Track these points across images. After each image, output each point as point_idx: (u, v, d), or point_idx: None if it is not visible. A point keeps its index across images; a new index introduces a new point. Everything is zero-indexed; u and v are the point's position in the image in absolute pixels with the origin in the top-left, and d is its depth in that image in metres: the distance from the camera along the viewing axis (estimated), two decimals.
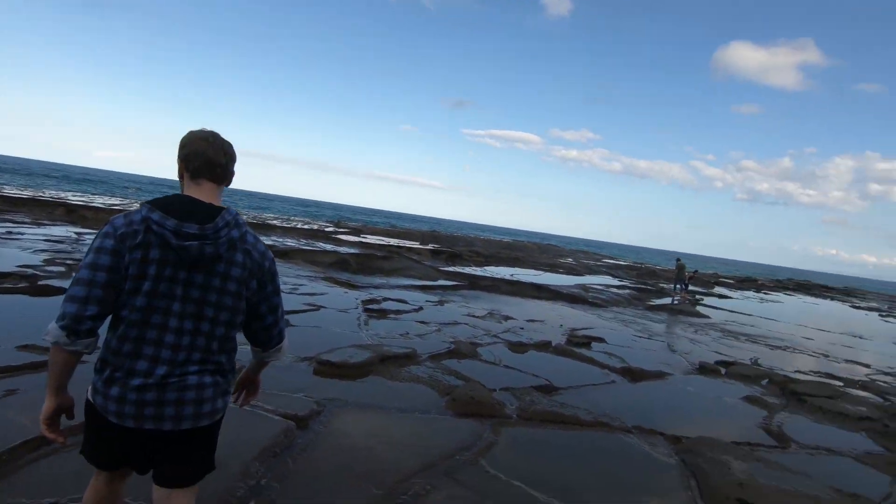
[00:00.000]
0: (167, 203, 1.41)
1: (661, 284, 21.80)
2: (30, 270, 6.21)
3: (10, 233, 9.14)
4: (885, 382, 7.86)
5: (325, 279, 10.05)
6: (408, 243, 20.99)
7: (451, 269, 15.55)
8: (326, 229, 21.69)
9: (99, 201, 18.01)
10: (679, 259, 22.38)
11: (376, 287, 10.28)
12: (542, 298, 12.89)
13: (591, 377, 5.55)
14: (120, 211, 15.11)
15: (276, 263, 1.59)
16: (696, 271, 24.61)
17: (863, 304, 30.57)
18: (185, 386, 1.35)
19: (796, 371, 7.83)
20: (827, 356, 10.16)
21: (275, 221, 21.43)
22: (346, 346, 4.80)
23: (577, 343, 7.31)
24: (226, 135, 1.56)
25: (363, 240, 18.89)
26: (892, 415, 5.59)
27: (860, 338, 14.45)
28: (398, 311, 7.69)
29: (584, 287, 15.60)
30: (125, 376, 1.34)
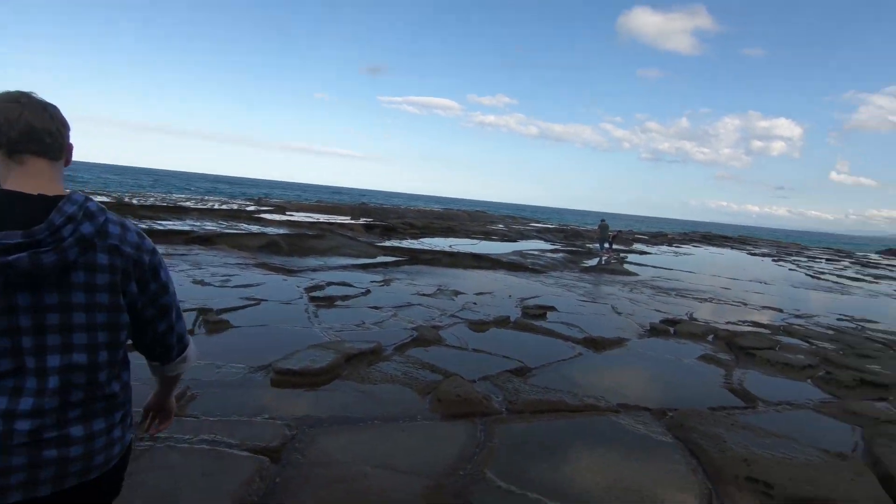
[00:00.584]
0: None
1: (588, 245, 22.67)
2: None
3: None
4: (800, 326, 8.56)
5: (257, 265, 9.21)
6: (338, 219, 20.06)
7: (387, 243, 15.03)
8: (248, 209, 20.15)
9: None
10: (603, 220, 23.33)
11: (314, 270, 9.61)
12: (483, 268, 12.81)
13: (558, 352, 5.45)
14: None
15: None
16: (620, 231, 25.86)
17: (757, 251, 33.85)
18: (67, 440, 1.05)
19: (728, 322, 8.32)
20: (746, 304, 10.98)
21: (188, 203, 19.55)
22: (304, 349, 4.28)
23: (533, 315, 7.23)
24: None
25: (290, 218, 17.75)
26: (825, 360, 6.04)
27: (764, 283, 15.87)
28: (345, 297, 7.17)
29: (521, 254, 15.74)
30: None
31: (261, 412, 3.08)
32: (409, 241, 16.69)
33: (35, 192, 1.05)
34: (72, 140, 1.18)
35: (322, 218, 19.58)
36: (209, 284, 6.93)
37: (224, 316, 5.30)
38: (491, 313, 6.97)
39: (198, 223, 14.05)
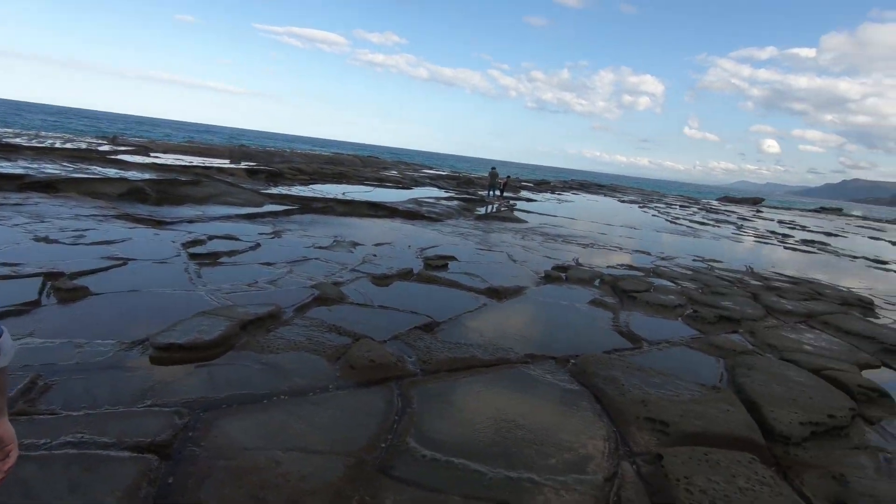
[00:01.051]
0: None
1: (480, 193, 23.18)
2: None
3: None
4: (665, 268, 9.60)
5: (118, 217, 7.96)
6: (215, 162, 18.07)
7: (274, 190, 13.92)
8: (101, 148, 17.27)
9: None
10: (493, 168, 23.88)
11: (191, 221, 8.57)
12: (379, 217, 12.48)
13: (463, 303, 5.47)
14: None
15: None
16: (509, 177, 26.72)
17: (626, 199, 37.34)
18: None
19: (609, 266, 9.06)
20: (621, 248, 12.06)
21: (19, 140, 16.21)
22: (189, 317, 3.74)
23: (435, 266, 7.18)
24: None
25: (156, 160, 15.59)
26: (690, 299, 6.82)
27: (633, 228, 17.57)
28: (232, 252, 6.48)
29: (417, 202, 15.58)
30: None
31: (141, 399, 2.62)
32: (299, 187, 15.64)
33: None
34: None
35: (196, 161, 17.49)
36: (57, 241, 5.80)
37: (80, 281, 4.46)
38: (393, 265, 6.78)
39: (34, 165, 11.74)
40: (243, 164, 18.57)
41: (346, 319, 4.33)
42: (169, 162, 15.66)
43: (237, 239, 7.39)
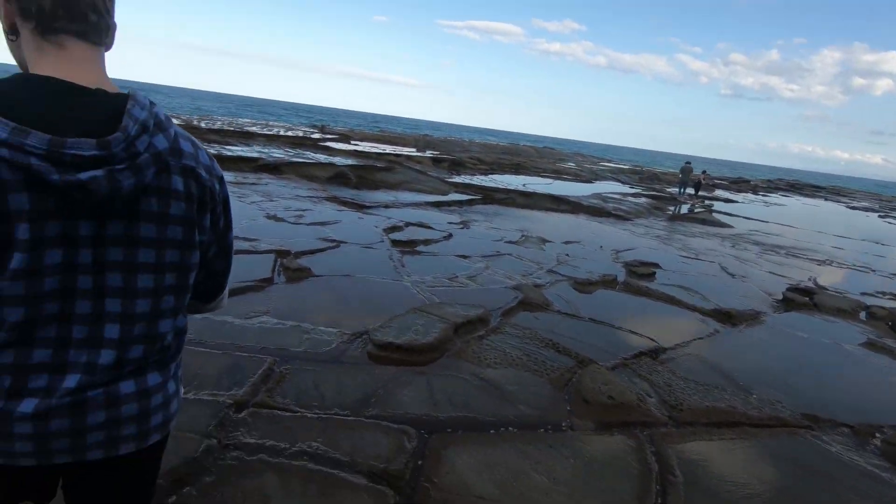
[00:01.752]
0: (10, 98, 0.74)
1: (669, 190, 20.78)
2: None
3: None
4: None
5: (328, 199, 8.63)
6: (404, 150, 19.17)
7: (457, 179, 14.10)
8: (313, 136, 19.58)
9: None
10: (688, 162, 21.11)
11: (387, 206, 8.93)
12: (562, 211, 11.74)
13: (688, 326, 4.55)
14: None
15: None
16: (705, 172, 23.50)
17: (856, 205, 30.31)
18: (117, 398, 0.83)
19: (866, 294, 7.05)
20: (873, 270, 9.48)
21: (254, 128, 19.21)
22: (403, 313, 3.60)
23: (640, 274, 6.27)
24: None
25: (356, 148, 17.05)
26: None
27: (881, 244, 13.91)
28: (427, 241, 6.45)
29: (601, 197, 14.43)
30: (6, 400, 0.77)
31: (366, 405, 2.44)
32: (480, 177, 15.67)
33: (93, 86, 0.80)
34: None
35: (388, 149, 18.75)
36: (283, 220, 6.37)
37: (303, 261, 4.70)
38: (592, 269, 6.07)
39: (265, 150, 13.61)
40: (428, 153, 19.36)
41: (557, 332, 3.80)
42: (366, 149, 16.99)
43: (430, 227, 7.40)
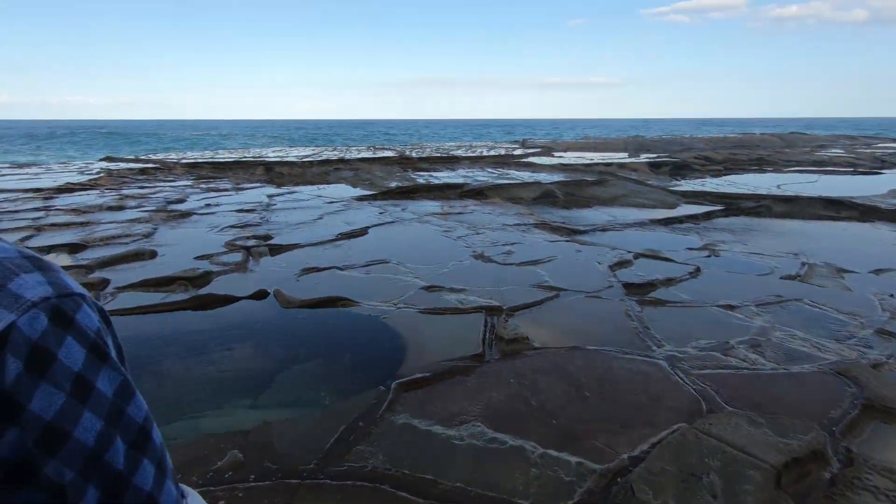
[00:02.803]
0: None
1: None
2: (202, 267, 5.13)
3: (208, 205, 8.80)
4: None
5: (537, 226, 7.71)
6: (614, 157, 17.32)
7: (685, 187, 11.82)
8: (515, 152, 19.18)
9: (294, 154, 18.39)
10: None
11: (604, 230, 7.58)
12: (846, 219, 8.63)
13: None
14: (316, 164, 14.23)
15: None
16: None
17: None
18: None
19: None
20: None
21: (458, 151, 19.70)
22: (672, 431, 2.34)
23: None
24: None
25: (561, 160, 15.96)
26: None
27: None
28: (669, 281, 4.96)
29: None
30: None
31: None
32: (712, 181, 12.98)
33: None
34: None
35: (596, 157, 17.14)
36: (491, 260, 5.65)
37: (519, 321, 3.81)
38: None
39: (469, 173, 13.52)
40: (643, 157, 17.11)
41: None
42: (571, 161, 15.75)
43: (666, 258, 5.84)
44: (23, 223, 7.00)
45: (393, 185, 11.40)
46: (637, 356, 3.31)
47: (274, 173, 13.52)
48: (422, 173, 13.68)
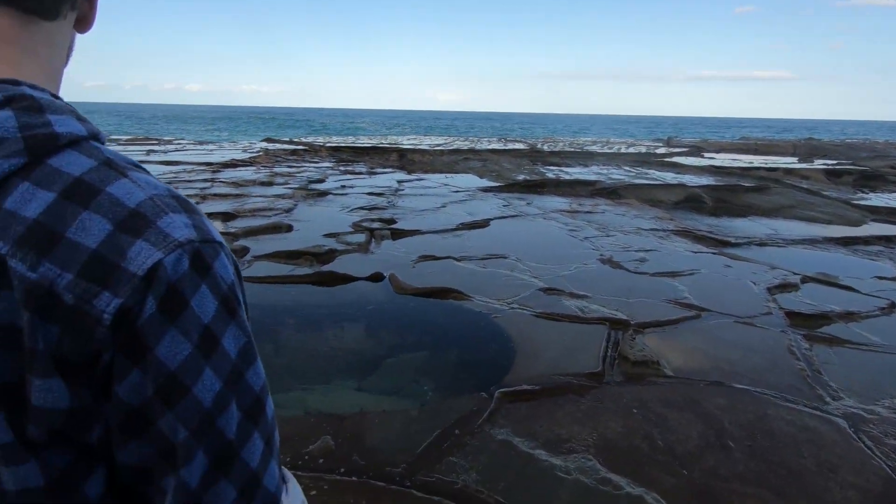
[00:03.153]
0: None
1: None
2: (328, 245, 5.33)
3: (343, 187, 9.29)
4: None
5: (678, 233, 6.86)
6: (779, 161, 14.99)
7: (872, 201, 9.76)
8: (657, 151, 17.59)
9: (427, 143, 18.86)
10: None
11: (762, 244, 6.48)
12: None
13: None
14: (447, 153, 14.45)
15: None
16: None
17: None
18: None
19: None
20: None
21: (593, 147, 18.63)
22: None
23: None
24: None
25: (711, 162, 14.22)
26: None
27: None
28: (849, 316, 4.00)
29: None
30: None
31: None
32: None
33: None
34: None
35: (755, 161, 15.00)
36: (620, 266, 5.09)
37: (648, 340, 3.31)
38: None
39: (604, 171, 12.64)
40: (818, 164, 14.57)
41: None
42: (724, 163, 13.95)
43: (846, 287, 4.76)
44: (192, 191, 8.00)
45: (520, 177, 11.06)
46: (803, 407, 2.64)
47: (406, 160, 13.95)
48: (552, 168, 13.12)
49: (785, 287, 4.67)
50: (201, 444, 0.44)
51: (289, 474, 0.60)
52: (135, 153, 13.29)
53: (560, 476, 2.06)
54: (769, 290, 4.53)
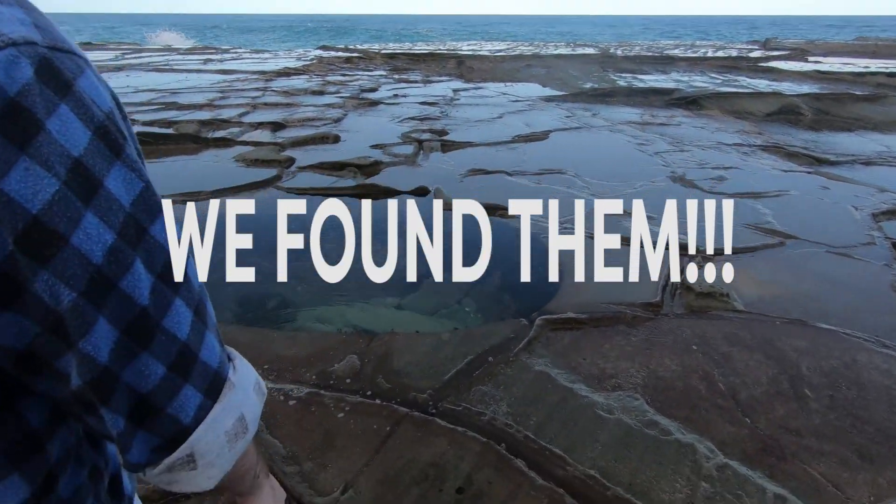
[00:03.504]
0: None
1: None
2: (374, 156, 5.08)
3: (395, 96, 8.84)
4: None
5: (766, 148, 6.02)
6: None
7: None
8: (751, 55, 15.42)
9: (487, 49, 17.54)
10: None
11: (868, 163, 5.59)
12: None
13: None
14: (509, 59, 13.12)
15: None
16: None
17: None
18: None
19: None
20: None
21: (675, 51, 16.61)
22: None
23: None
24: None
25: (816, 66, 12.30)
26: None
27: None
28: None
29: None
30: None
31: None
32: None
33: None
34: None
35: (873, 65, 12.82)
36: (694, 185, 4.53)
37: (719, 269, 2.92)
38: None
39: (685, 77, 11.27)
40: None
41: None
42: (833, 68, 12.03)
43: None
44: (244, 100, 7.89)
45: (587, 86, 10.08)
46: None
47: (464, 67, 13.07)
48: (624, 74, 11.86)
49: (891, 214, 3.98)
50: (101, 311, 0.37)
51: (235, 352, 0.52)
52: (192, 62, 13.30)
53: (600, 415, 1.86)
54: (874, 216, 3.88)
